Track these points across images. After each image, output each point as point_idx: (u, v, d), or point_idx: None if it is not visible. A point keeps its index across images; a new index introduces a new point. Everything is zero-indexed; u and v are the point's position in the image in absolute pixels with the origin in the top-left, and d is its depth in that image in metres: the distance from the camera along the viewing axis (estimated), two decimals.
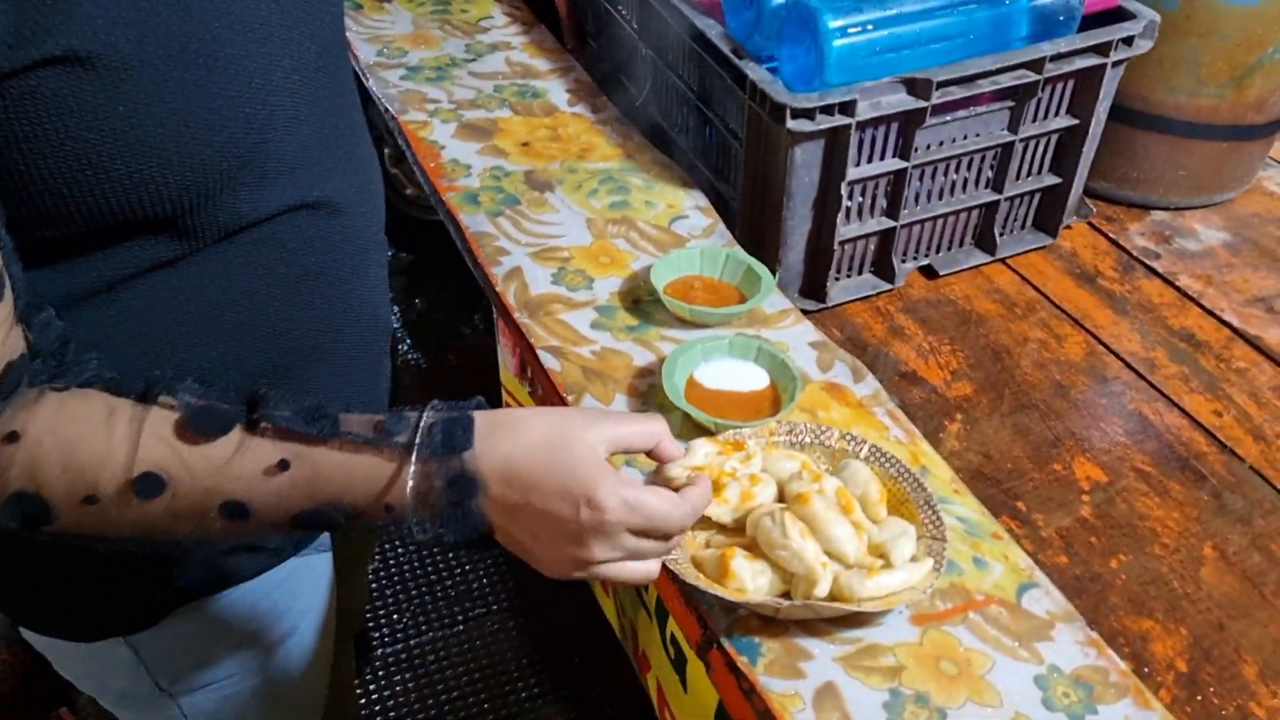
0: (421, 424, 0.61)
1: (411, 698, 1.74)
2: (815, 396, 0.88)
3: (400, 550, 1.97)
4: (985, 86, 0.98)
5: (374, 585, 1.91)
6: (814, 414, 0.86)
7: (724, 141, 1.08)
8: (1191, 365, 1.01)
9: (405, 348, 2.26)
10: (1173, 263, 1.12)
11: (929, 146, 1.02)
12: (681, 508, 0.63)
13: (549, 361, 0.89)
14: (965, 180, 1.07)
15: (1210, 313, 1.07)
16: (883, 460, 0.77)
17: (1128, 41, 1.02)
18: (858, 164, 0.99)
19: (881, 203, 1.04)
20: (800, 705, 0.66)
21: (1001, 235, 1.12)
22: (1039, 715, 0.67)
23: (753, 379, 0.86)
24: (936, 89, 0.95)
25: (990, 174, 1.08)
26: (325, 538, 0.93)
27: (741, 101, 0.99)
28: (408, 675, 1.77)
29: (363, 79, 1.20)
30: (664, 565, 0.70)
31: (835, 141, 0.96)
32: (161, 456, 0.60)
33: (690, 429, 0.84)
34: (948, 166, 1.05)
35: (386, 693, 1.75)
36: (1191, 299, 1.08)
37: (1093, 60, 1.01)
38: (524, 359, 0.95)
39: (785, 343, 0.92)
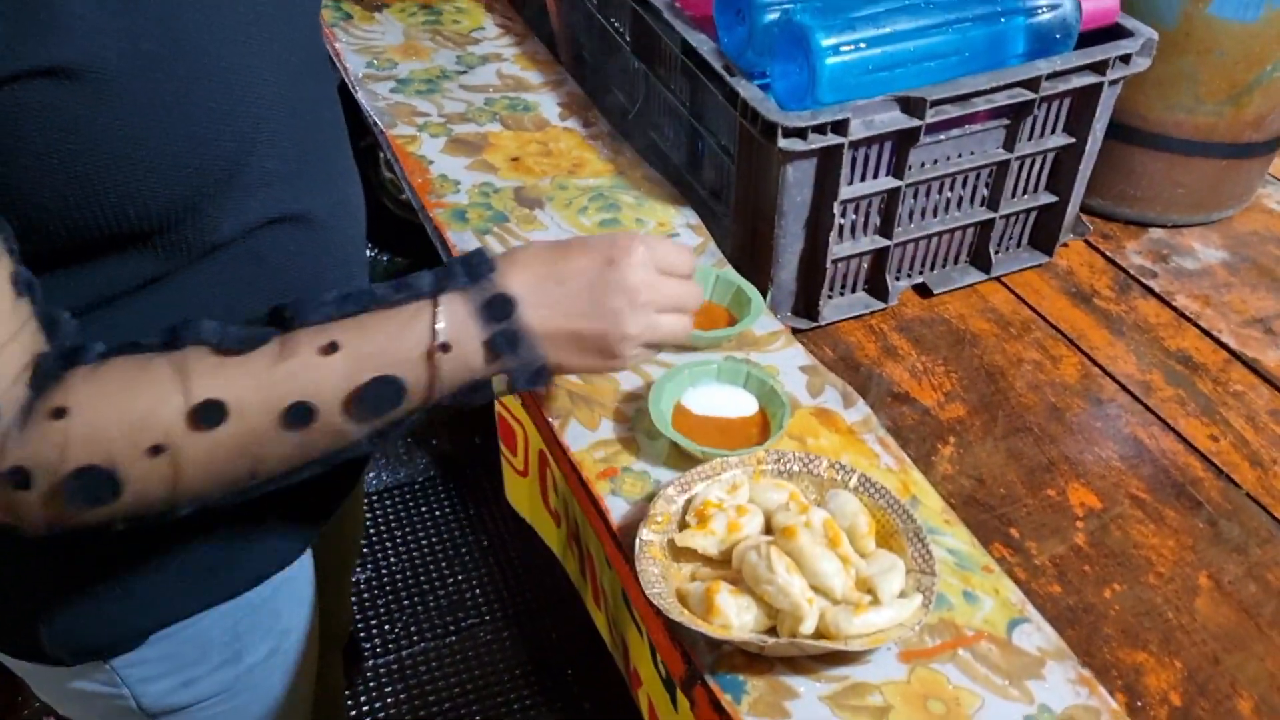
0: (446, 269, 0.65)
1: (403, 709, 1.73)
2: (805, 422, 0.86)
3: (392, 559, 1.96)
4: (980, 105, 0.97)
5: (365, 595, 1.90)
6: (803, 441, 0.85)
7: (716, 157, 1.07)
8: (1188, 388, 1.00)
9: None
10: (1170, 282, 1.11)
11: (923, 165, 1.00)
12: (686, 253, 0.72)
13: None
14: (960, 198, 1.06)
15: (1208, 334, 1.05)
16: (872, 491, 0.76)
17: (1125, 59, 1.00)
18: (850, 182, 0.98)
19: (875, 221, 1.03)
20: None
21: (997, 253, 1.11)
22: None
23: (741, 405, 0.85)
24: (931, 108, 0.94)
25: (985, 192, 1.06)
26: (306, 557, 0.91)
27: (733, 118, 0.98)
28: (399, 686, 1.76)
29: (352, 91, 1.19)
30: (648, 598, 0.69)
31: (828, 160, 0.95)
32: (213, 382, 0.60)
33: (677, 457, 0.82)
34: (942, 184, 1.03)
35: (378, 704, 1.74)
36: (1189, 319, 1.07)
37: (1090, 79, 1.00)
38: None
39: (775, 366, 0.91)
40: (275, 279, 0.72)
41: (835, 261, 1.02)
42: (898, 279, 1.08)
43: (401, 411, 0.64)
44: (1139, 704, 0.74)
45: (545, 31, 1.34)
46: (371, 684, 1.76)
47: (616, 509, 0.79)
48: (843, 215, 0.99)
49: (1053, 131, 1.05)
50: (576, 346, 0.68)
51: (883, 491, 0.76)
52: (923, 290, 1.10)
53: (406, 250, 2.36)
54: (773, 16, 0.98)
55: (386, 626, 1.85)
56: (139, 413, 0.59)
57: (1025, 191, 1.08)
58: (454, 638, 1.83)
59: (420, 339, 0.63)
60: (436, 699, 1.74)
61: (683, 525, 0.75)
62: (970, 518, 0.86)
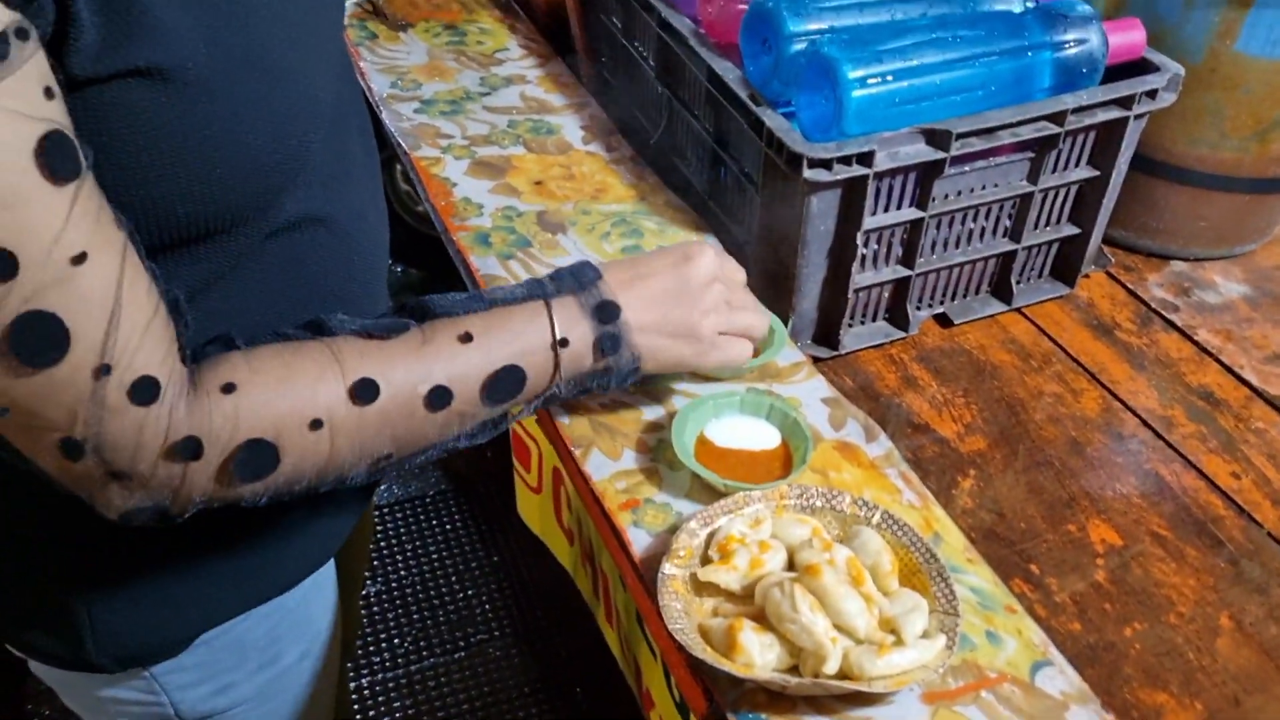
0: (554, 276, 0.77)
1: None
2: (827, 456, 0.86)
3: (403, 572, 1.96)
4: (1006, 138, 0.97)
5: (375, 609, 1.90)
6: (825, 475, 0.84)
7: (739, 185, 1.07)
8: (1210, 424, 1.00)
9: None
10: (1192, 316, 1.11)
11: (946, 196, 1.00)
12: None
13: (557, 413, 0.87)
14: (983, 229, 1.06)
15: (1229, 369, 1.05)
16: (895, 528, 0.76)
17: (1151, 95, 1.00)
18: (874, 213, 0.98)
19: (897, 251, 1.03)
20: None
21: (1018, 284, 1.11)
22: None
23: (764, 438, 0.85)
24: (956, 140, 0.94)
25: (1008, 223, 1.06)
26: (332, 560, 0.92)
27: (758, 147, 0.98)
28: (407, 701, 1.76)
29: (376, 111, 1.19)
30: (670, 633, 0.69)
31: (852, 191, 0.95)
32: (366, 363, 0.66)
33: (699, 489, 0.82)
34: (965, 216, 1.03)
35: (385, 718, 1.74)
36: (1211, 355, 1.07)
37: (1115, 113, 1.00)
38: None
39: (798, 398, 0.91)
40: (309, 281, 0.74)
41: (857, 291, 1.02)
42: (918, 308, 1.08)
43: (522, 399, 0.73)
44: None
45: (569, 51, 1.34)
46: (380, 698, 1.76)
47: (639, 541, 0.79)
48: (865, 245, 1.00)
49: (1077, 164, 1.05)
50: (666, 334, 0.79)
51: (906, 529, 0.76)
52: (943, 320, 1.09)
53: (421, 262, 2.36)
54: (799, 47, 0.98)
55: (396, 640, 1.85)
56: (302, 389, 0.64)
57: (1048, 223, 1.08)
58: (463, 653, 1.83)
59: (542, 334, 0.73)
60: (445, 715, 1.74)
61: (705, 560, 0.75)
62: (991, 553, 0.86)
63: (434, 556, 1.99)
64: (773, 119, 0.95)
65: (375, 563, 1.97)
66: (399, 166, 1.79)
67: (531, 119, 1.19)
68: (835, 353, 1.05)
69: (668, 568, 0.73)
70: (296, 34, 0.66)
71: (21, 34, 0.51)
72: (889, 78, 0.93)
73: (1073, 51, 0.97)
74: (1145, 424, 1.00)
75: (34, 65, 0.52)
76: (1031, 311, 1.11)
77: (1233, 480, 0.95)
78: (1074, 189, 1.07)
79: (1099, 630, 0.82)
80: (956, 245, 1.05)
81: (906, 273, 1.03)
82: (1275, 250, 1.20)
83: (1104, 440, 0.98)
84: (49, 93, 0.53)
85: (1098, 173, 1.05)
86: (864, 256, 1.01)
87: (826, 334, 1.05)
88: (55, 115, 0.53)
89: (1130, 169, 1.08)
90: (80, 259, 0.54)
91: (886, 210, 0.99)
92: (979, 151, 0.97)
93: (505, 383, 0.72)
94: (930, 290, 1.08)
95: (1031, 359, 1.06)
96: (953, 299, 1.10)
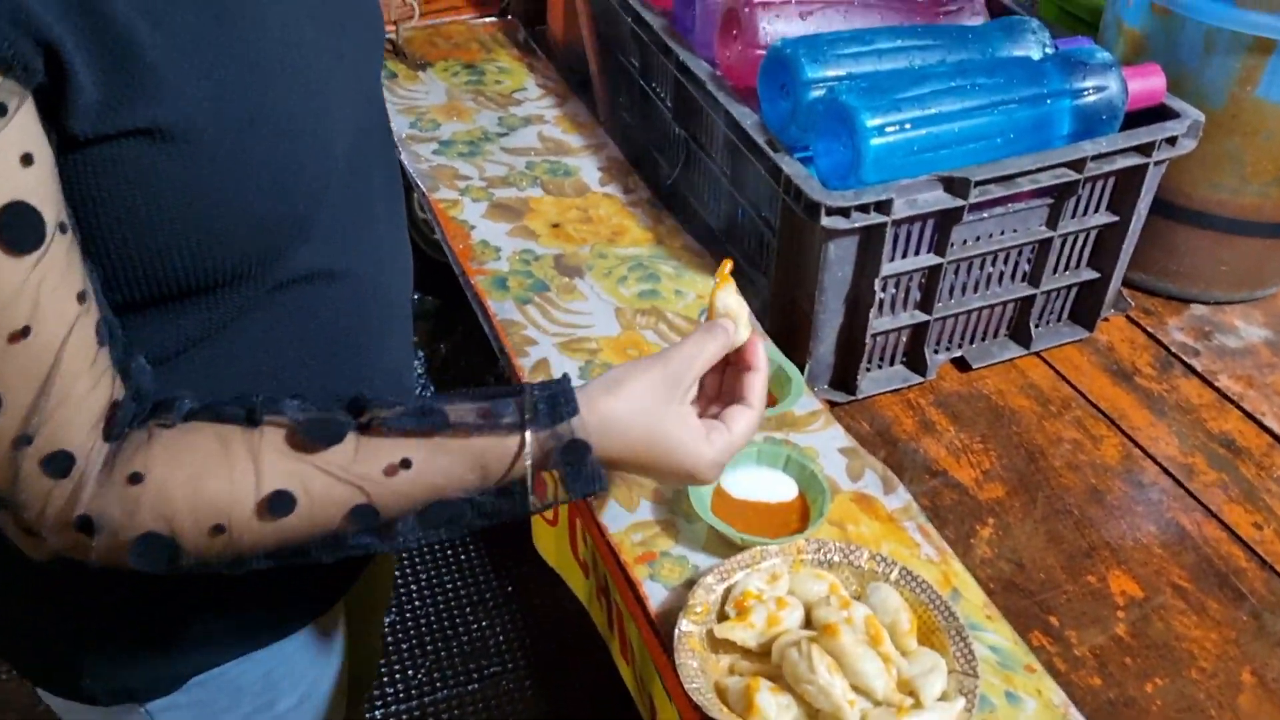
0: (525, 402, 0.66)
1: None
2: (845, 508, 0.86)
3: (417, 603, 1.96)
4: (1025, 185, 0.96)
5: (389, 639, 1.90)
6: (843, 527, 0.84)
7: (756, 228, 1.07)
8: (1231, 473, 0.99)
9: (429, 395, 2.26)
10: (1212, 361, 1.10)
11: (965, 242, 1.00)
12: (751, 413, 0.73)
13: None
14: (1001, 274, 1.05)
15: (1251, 416, 1.04)
16: (913, 585, 0.75)
17: (1171, 141, 1.00)
18: (892, 259, 0.98)
19: (915, 296, 1.02)
20: None
21: (1037, 327, 1.10)
22: None
23: (781, 489, 0.84)
24: (975, 187, 0.94)
25: (1027, 268, 1.06)
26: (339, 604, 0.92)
27: (775, 193, 0.98)
28: None
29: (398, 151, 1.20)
30: (687, 693, 0.68)
31: (870, 237, 0.95)
32: (286, 472, 0.62)
33: (716, 542, 0.82)
34: (984, 261, 1.03)
35: None
36: (1231, 401, 1.06)
37: (1135, 160, 0.99)
38: None
39: (815, 448, 0.91)
40: (323, 333, 0.73)
41: (874, 336, 1.02)
42: (936, 352, 1.08)
43: (465, 524, 0.67)
44: None
45: (586, 91, 1.35)
46: None
47: (655, 595, 0.79)
48: (883, 290, 0.99)
49: (1096, 210, 1.04)
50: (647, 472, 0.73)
51: (924, 586, 0.75)
52: (961, 364, 1.09)
53: (438, 290, 2.37)
54: (818, 94, 0.98)
55: (410, 672, 1.84)
56: (210, 493, 0.61)
57: (1067, 268, 1.08)
58: (476, 685, 1.83)
59: (496, 471, 0.65)
60: None
61: (722, 616, 0.75)
62: (1010, 604, 0.85)
63: (449, 587, 1.99)
64: (791, 166, 0.95)
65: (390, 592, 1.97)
66: (414, 195, 1.80)
67: (549, 160, 1.20)
68: (852, 397, 1.04)
69: (684, 624, 0.73)
70: (314, 86, 0.66)
71: None
72: (907, 125, 0.93)
73: (1092, 99, 0.97)
74: (1166, 472, 0.99)
75: (8, 134, 0.52)
76: (1050, 355, 1.11)
77: (1254, 531, 0.94)
78: (1093, 234, 1.06)
79: (1119, 685, 0.81)
80: (975, 290, 1.05)
81: (924, 318, 1.03)
82: None
83: (1124, 488, 0.97)
84: (26, 159, 0.53)
85: (1117, 218, 1.05)
86: (881, 301, 1.00)
87: (844, 378, 1.04)
88: (25, 184, 0.53)
89: (1150, 213, 1.07)
90: (22, 333, 0.55)
91: (904, 256, 0.98)
92: (998, 198, 0.97)
93: (446, 514, 0.66)
94: (948, 334, 1.07)
95: (1050, 404, 1.05)
96: (971, 343, 1.09)
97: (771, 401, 0.94)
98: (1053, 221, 1.02)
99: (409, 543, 0.66)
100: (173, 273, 0.62)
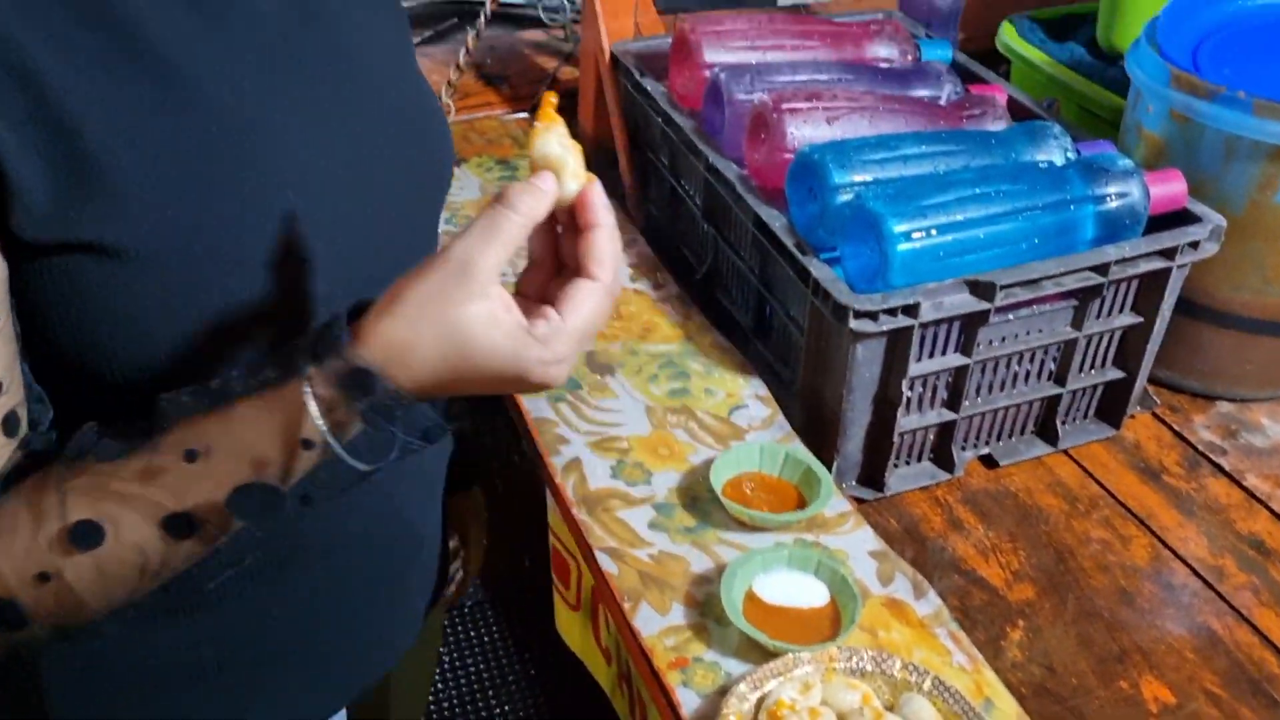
0: (295, 350, 0.58)
1: None
2: (876, 613, 0.86)
3: (439, 685, 1.96)
4: (1049, 288, 0.98)
5: None
6: (874, 633, 0.84)
7: (783, 326, 1.09)
8: (1262, 575, 0.99)
9: None
10: (1240, 459, 1.10)
11: (991, 343, 1.02)
12: (590, 285, 0.59)
13: (606, 564, 0.88)
14: (1027, 372, 1.06)
15: (1279, 517, 1.04)
16: (946, 696, 0.76)
17: (1194, 245, 1.01)
18: (919, 359, 0.99)
19: (942, 395, 1.04)
20: None
21: (1063, 425, 1.11)
22: None
23: (813, 594, 0.85)
24: (1000, 291, 0.96)
25: (1053, 367, 1.07)
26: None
27: (803, 293, 1.00)
28: None
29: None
30: None
31: (897, 339, 0.97)
32: (88, 499, 0.58)
33: (749, 647, 0.82)
34: (1010, 360, 1.04)
35: None
36: (1260, 501, 1.06)
37: (1158, 264, 1.01)
38: (581, 551, 0.95)
39: (845, 550, 0.92)
40: None
41: (902, 434, 1.03)
42: (963, 449, 1.08)
43: (280, 502, 0.60)
44: None
45: (614, 184, 1.38)
46: None
47: (688, 702, 0.79)
48: (910, 389, 1.01)
49: (1120, 310, 1.06)
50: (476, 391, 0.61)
51: (957, 697, 0.75)
52: (989, 461, 1.10)
53: None
54: (845, 198, 1.00)
55: None
56: (23, 543, 0.58)
57: (1093, 367, 1.09)
58: None
59: (284, 430, 0.58)
60: None
61: None
62: (1042, 710, 0.85)
63: (470, 668, 1.98)
64: (819, 269, 0.97)
65: None
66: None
67: None
68: (880, 494, 1.05)
69: None
70: (321, 223, 0.64)
71: None
72: (933, 231, 0.95)
73: (1115, 205, 0.99)
74: (1196, 573, 0.99)
75: None
76: (1077, 453, 1.11)
77: None
78: (1118, 333, 1.08)
79: None
80: (1001, 388, 1.06)
81: (952, 416, 1.04)
82: None
83: (1154, 590, 0.97)
84: None
85: (1142, 318, 1.06)
86: (909, 400, 1.02)
87: (871, 476, 1.05)
88: None
89: (1174, 313, 1.08)
90: None
91: (931, 356, 1.00)
92: (1023, 300, 0.99)
93: (254, 498, 0.59)
94: (975, 432, 1.08)
95: (1078, 503, 1.06)
96: (998, 439, 1.10)
97: (801, 503, 0.95)
98: (1078, 322, 1.04)
99: (244, 552, 0.61)
100: (104, 377, 0.62)
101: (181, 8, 0.62)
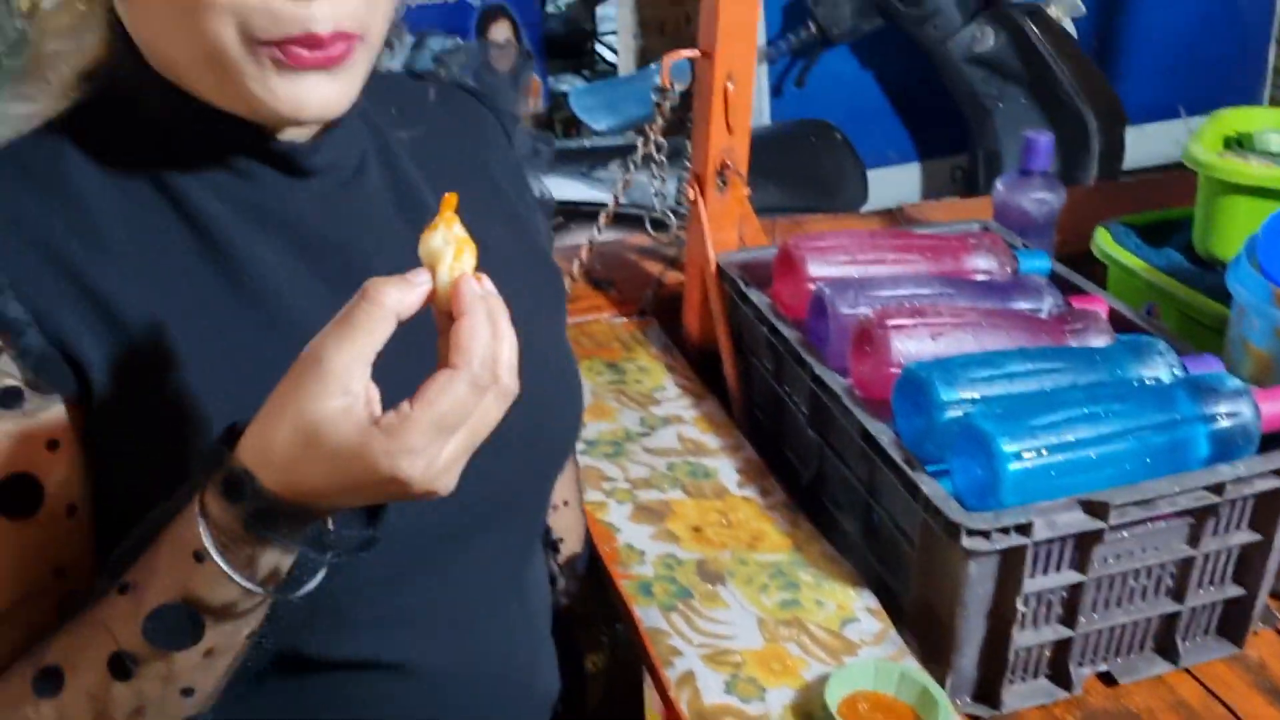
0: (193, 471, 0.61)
1: None
2: None
3: None
4: (1164, 508, 0.98)
5: None
6: None
7: (891, 536, 1.10)
8: None
9: None
10: None
11: (1106, 560, 1.01)
12: (446, 375, 0.57)
13: None
14: (1144, 588, 1.05)
15: None
16: None
17: None
18: (1033, 576, 0.99)
19: (1058, 611, 1.03)
20: None
21: (1184, 642, 1.09)
22: None
23: None
24: (1114, 510, 0.96)
25: (1170, 583, 1.06)
26: None
27: (913, 507, 1.01)
28: None
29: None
30: None
31: (1011, 557, 0.97)
32: (52, 648, 0.65)
33: None
34: (1125, 577, 1.03)
35: None
36: None
37: (1274, 483, 1.01)
38: None
39: None
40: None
41: (1017, 651, 1.02)
42: (1081, 666, 1.07)
43: (217, 633, 0.62)
44: None
45: (721, 391, 1.42)
46: None
47: None
48: (1025, 606, 1.00)
49: (1238, 527, 1.05)
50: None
51: None
52: (1107, 679, 1.07)
53: None
54: (953, 414, 1.03)
55: None
56: (9, 698, 0.65)
57: (1211, 583, 1.07)
58: None
59: (188, 547, 0.60)
60: None
61: None
62: None
63: None
64: (929, 485, 0.99)
65: None
66: None
67: (689, 461, 1.25)
68: (996, 712, 1.03)
69: None
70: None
71: None
72: (1044, 451, 0.97)
73: (1226, 424, 1.00)
74: None
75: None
76: (1199, 671, 1.08)
77: None
78: (1236, 550, 1.06)
79: None
80: (1118, 604, 1.05)
81: (1068, 633, 1.03)
82: None
83: None
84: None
85: (1260, 536, 1.05)
86: (1023, 616, 1.01)
87: (986, 693, 1.04)
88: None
89: None
90: None
91: (1045, 573, 1.00)
92: (1138, 519, 0.99)
93: (167, 620, 0.60)
94: (1093, 648, 1.06)
95: None
96: (1116, 656, 1.08)
97: None
98: (1194, 540, 1.03)
99: (203, 684, 0.64)
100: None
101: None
